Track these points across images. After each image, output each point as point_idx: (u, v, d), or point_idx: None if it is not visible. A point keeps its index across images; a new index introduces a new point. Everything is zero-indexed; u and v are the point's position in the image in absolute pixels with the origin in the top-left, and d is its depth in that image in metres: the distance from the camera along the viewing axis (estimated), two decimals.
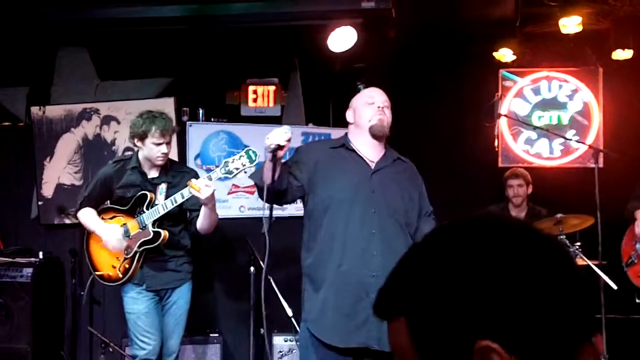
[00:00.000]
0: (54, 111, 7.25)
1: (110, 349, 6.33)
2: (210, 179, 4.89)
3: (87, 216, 5.41)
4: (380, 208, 4.27)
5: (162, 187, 5.23)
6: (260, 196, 4.25)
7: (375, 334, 4.09)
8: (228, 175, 4.85)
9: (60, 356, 6.97)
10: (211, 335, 6.67)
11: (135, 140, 5.24)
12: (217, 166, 4.88)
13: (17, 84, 7.36)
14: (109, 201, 5.45)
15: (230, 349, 6.91)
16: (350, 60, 6.77)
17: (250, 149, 4.83)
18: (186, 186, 5.00)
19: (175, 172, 5.39)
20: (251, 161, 4.77)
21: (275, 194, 4.19)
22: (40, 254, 6.90)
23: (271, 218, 4.18)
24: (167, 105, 6.72)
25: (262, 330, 4.87)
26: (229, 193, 6.94)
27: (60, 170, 7.25)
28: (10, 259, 6.75)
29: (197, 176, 5.27)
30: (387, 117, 4.43)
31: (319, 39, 6.39)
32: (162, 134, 5.14)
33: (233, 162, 4.79)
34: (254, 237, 6.74)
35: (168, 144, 5.22)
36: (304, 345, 4.42)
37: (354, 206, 4.25)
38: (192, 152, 6.93)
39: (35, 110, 7.25)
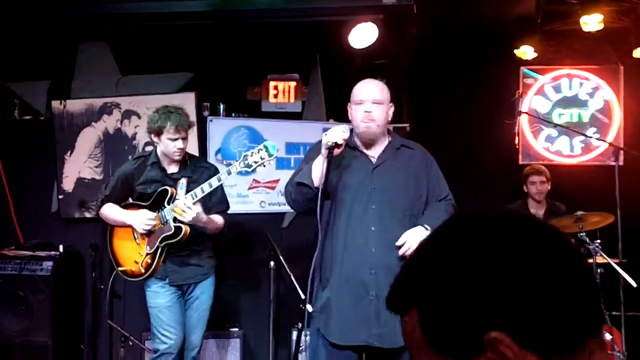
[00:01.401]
0: (75, 105, 7.26)
1: (131, 343, 6.36)
2: (230, 173, 4.95)
3: (111, 209, 5.41)
4: (381, 203, 4.26)
5: (183, 182, 5.22)
6: (304, 199, 4.28)
7: (376, 330, 4.11)
8: (247, 168, 4.88)
9: (80, 350, 7.00)
10: (231, 329, 6.70)
11: (152, 136, 5.29)
12: (237, 161, 4.89)
13: (38, 78, 7.37)
14: (130, 198, 5.45)
15: (251, 343, 6.93)
16: (371, 57, 6.75)
17: (269, 142, 4.86)
18: (206, 180, 5.04)
19: (195, 166, 5.41)
20: (270, 154, 4.80)
21: (313, 196, 4.21)
22: (61, 248, 6.90)
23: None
24: (187, 100, 6.74)
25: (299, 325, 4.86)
26: (249, 188, 6.95)
27: (80, 164, 7.26)
28: (31, 253, 6.73)
29: (217, 171, 5.27)
30: (375, 120, 4.30)
31: (340, 35, 6.39)
32: (177, 129, 5.14)
33: (252, 155, 4.83)
34: (275, 232, 6.81)
35: (184, 139, 5.22)
36: (314, 340, 4.42)
37: (355, 204, 4.25)
38: (212, 147, 6.95)
39: (56, 104, 7.27)
